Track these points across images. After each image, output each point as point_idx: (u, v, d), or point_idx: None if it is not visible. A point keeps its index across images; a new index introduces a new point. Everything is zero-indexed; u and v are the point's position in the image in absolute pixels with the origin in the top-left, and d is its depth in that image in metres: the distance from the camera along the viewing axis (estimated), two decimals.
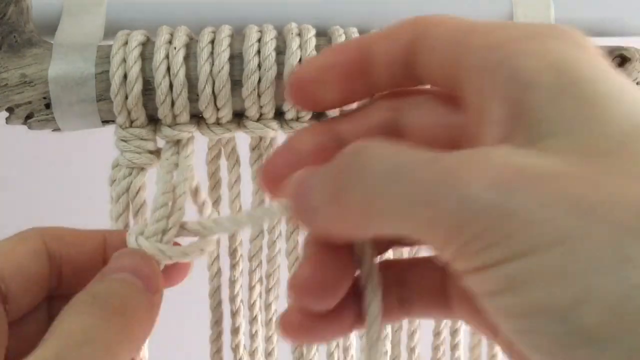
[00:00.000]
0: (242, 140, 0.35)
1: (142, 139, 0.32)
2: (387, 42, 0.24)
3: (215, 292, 0.35)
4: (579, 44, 0.20)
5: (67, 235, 0.28)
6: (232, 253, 0.35)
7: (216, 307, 0.35)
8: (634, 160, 0.18)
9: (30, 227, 0.28)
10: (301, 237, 0.35)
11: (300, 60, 0.32)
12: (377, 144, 0.21)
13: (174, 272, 0.30)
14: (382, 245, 0.27)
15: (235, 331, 0.35)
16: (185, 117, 0.32)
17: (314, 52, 0.32)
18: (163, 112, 0.32)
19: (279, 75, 0.32)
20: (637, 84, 0.34)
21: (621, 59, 0.34)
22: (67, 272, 0.27)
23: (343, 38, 0.33)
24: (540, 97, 0.19)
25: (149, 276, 0.26)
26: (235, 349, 0.35)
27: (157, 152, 0.33)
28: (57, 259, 0.27)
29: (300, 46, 0.32)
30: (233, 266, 0.35)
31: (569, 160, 0.18)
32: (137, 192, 0.33)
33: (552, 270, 0.16)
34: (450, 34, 0.22)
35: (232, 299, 0.35)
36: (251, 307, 0.35)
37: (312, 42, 0.32)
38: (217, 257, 0.35)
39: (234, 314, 0.35)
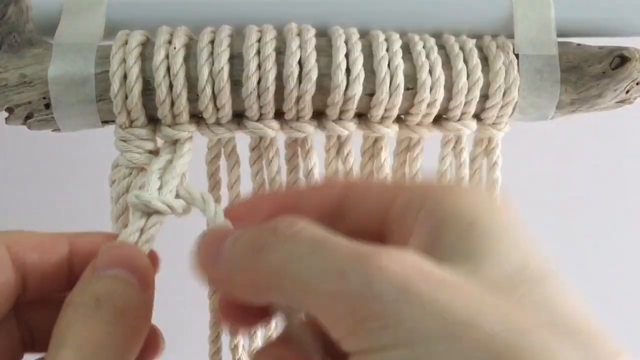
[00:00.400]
0: (242, 140, 0.35)
1: (142, 139, 0.32)
2: (318, 195, 0.26)
3: (215, 293, 0.35)
4: (485, 198, 0.24)
5: (30, 240, 0.27)
6: None
7: (215, 308, 0.35)
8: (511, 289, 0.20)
9: None
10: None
11: (300, 60, 0.32)
12: (307, 221, 0.22)
13: None
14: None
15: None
16: (185, 117, 0.32)
17: (314, 52, 0.32)
18: (163, 112, 0.32)
19: (279, 75, 0.32)
20: (637, 84, 0.35)
21: (621, 59, 0.34)
22: (31, 278, 0.26)
23: (343, 38, 0.33)
24: (452, 231, 0.22)
25: (142, 270, 0.26)
26: (234, 349, 0.35)
27: (156, 152, 0.33)
28: (21, 265, 0.26)
29: (300, 46, 0.32)
30: None
31: (462, 278, 0.20)
32: None
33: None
34: (378, 190, 0.26)
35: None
36: None
37: (312, 42, 0.32)
38: None
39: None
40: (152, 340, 0.27)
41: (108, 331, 0.23)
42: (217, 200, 0.35)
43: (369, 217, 0.25)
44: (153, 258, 0.29)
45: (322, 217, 0.25)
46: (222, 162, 0.35)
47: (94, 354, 0.23)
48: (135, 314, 0.24)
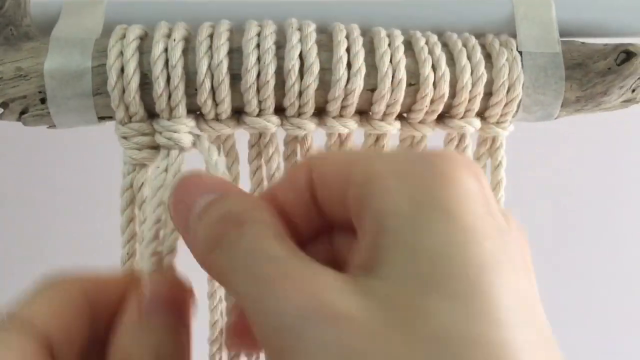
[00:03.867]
0: (241, 137, 0.34)
1: (142, 134, 0.32)
2: (289, 189, 0.25)
3: (214, 293, 0.34)
4: (438, 180, 0.22)
5: (104, 283, 0.26)
6: None
7: (215, 308, 0.34)
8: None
9: (67, 275, 0.26)
10: None
11: (300, 54, 0.31)
12: (261, 225, 0.23)
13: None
14: None
15: None
16: (182, 110, 0.31)
17: (315, 46, 0.31)
18: (160, 105, 0.31)
19: (279, 69, 0.31)
20: None
21: (626, 55, 0.33)
22: (101, 318, 0.26)
23: (344, 33, 0.32)
24: (383, 240, 0.21)
25: (186, 311, 0.26)
26: None
27: (158, 148, 0.32)
28: (96, 307, 0.26)
29: (300, 40, 0.31)
30: None
31: (363, 305, 0.20)
32: (140, 188, 0.32)
33: None
34: (336, 168, 0.24)
35: (228, 296, 0.34)
36: None
37: (313, 36, 0.32)
38: None
39: (230, 312, 0.34)
40: None
41: None
42: None
43: (333, 199, 0.24)
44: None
45: (301, 204, 0.25)
46: (222, 159, 0.34)
47: None
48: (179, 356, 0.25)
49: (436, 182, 0.21)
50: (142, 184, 0.33)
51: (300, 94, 0.32)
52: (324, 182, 0.24)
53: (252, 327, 0.21)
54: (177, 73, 0.30)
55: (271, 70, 0.31)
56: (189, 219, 0.24)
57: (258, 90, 0.31)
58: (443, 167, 0.22)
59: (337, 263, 0.24)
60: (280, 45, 0.32)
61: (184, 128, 0.32)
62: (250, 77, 0.31)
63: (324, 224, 0.25)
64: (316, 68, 0.31)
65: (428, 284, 0.20)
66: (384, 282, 0.20)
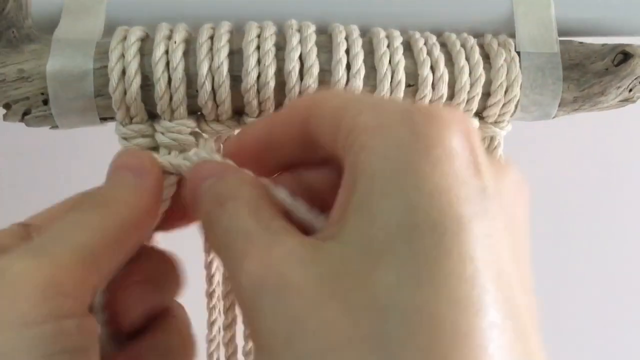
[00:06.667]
0: None
1: (142, 136, 0.32)
2: (285, 124, 0.26)
3: (212, 292, 0.35)
4: (420, 141, 0.21)
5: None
6: None
7: (213, 307, 0.34)
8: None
9: None
10: None
11: (300, 55, 0.31)
12: (239, 201, 0.23)
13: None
14: None
15: (228, 327, 0.34)
16: (183, 112, 0.32)
17: (314, 48, 0.32)
18: (161, 107, 0.31)
19: (279, 71, 0.31)
20: None
21: (624, 56, 0.33)
22: None
23: (344, 34, 0.33)
24: (358, 189, 0.21)
25: (138, 164, 0.27)
26: (227, 344, 0.34)
27: (157, 149, 0.33)
28: None
29: (300, 42, 0.32)
30: None
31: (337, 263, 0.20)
32: None
33: None
34: (331, 113, 0.24)
35: (226, 295, 0.34)
36: None
37: (312, 37, 0.32)
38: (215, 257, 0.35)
39: (227, 310, 0.34)
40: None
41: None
42: None
43: (327, 143, 0.24)
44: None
45: (296, 143, 0.25)
46: None
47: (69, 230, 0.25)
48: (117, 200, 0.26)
49: (416, 144, 0.21)
50: None
51: (300, 95, 0.32)
52: (319, 124, 0.24)
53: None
54: (178, 75, 0.31)
55: (271, 72, 0.31)
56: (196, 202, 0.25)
57: (258, 92, 0.32)
58: (427, 128, 0.21)
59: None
60: (280, 47, 0.32)
61: (186, 129, 0.32)
62: (250, 79, 0.31)
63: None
64: (316, 70, 0.31)
65: (380, 251, 0.19)
66: (342, 248, 0.20)
